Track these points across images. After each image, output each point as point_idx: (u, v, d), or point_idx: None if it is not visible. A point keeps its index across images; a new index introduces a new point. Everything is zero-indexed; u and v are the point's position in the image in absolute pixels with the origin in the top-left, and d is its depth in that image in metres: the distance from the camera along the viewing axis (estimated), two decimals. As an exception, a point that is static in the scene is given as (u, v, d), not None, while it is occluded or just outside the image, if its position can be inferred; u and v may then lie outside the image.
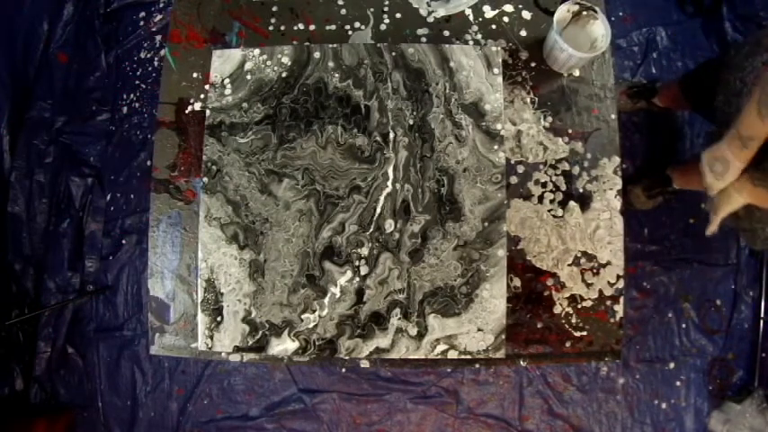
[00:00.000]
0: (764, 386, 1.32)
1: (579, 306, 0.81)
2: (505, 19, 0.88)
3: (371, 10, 0.89)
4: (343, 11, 0.90)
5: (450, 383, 1.38)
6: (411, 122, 0.83)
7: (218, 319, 0.81)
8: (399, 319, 0.79)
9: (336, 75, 0.85)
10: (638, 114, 1.41)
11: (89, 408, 1.44)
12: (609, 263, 0.81)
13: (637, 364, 1.36)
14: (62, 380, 1.46)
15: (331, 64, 0.85)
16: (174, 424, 1.42)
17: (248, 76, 0.86)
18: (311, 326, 0.80)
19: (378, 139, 0.83)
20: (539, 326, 0.81)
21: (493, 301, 0.79)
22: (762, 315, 1.35)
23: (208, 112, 0.86)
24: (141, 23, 1.54)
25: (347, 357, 0.80)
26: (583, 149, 0.84)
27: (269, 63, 0.86)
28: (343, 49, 0.86)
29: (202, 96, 0.88)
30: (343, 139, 0.83)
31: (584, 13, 0.80)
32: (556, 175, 0.83)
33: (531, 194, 0.83)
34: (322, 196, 0.82)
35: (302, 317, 0.80)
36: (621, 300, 0.81)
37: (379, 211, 0.81)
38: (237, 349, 0.81)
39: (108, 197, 1.50)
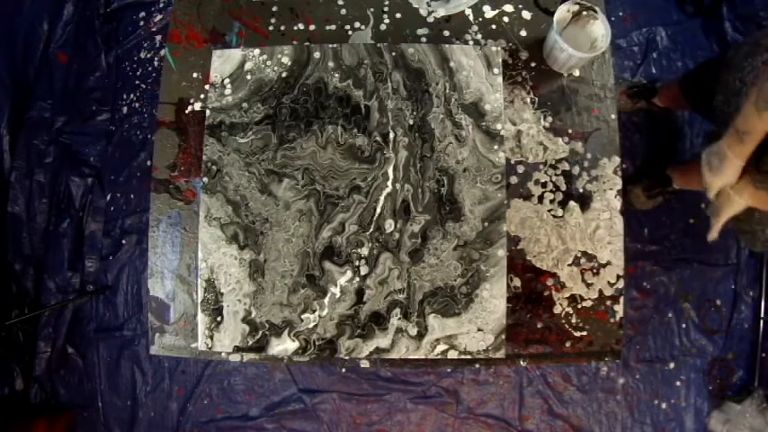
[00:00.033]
0: (764, 386, 1.32)
1: (579, 306, 0.81)
2: (505, 19, 0.88)
3: (371, 10, 0.89)
4: (343, 11, 0.90)
5: (451, 383, 1.38)
6: (411, 122, 0.83)
7: (218, 319, 0.81)
8: (399, 319, 0.79)
9: (336, 75, 0.85)
10: (638, 114, 1.41)
11: (89, 408, 1.44)
12: (609, 263, 0.81)
13: (637, 364, 1.36)
14: (62, 380, 1.46)
15: (331, 64, 0.85)
16: (174, 424, 1.42)
17: (248, 76, 0.86)
18: (311, 326, 0.80)
19: (378, 139, 0.83)
20: (539, 326, 0.81)
21: (493, 301, 0.79)
22: (762, 315, 1.35)
23: (208, 112, 0.86)
24: (141, 23, 1.54)
25: (347, 357, 0.80)
26: (583, 149, 0.84)
27: (269, 63, 0.86)
28: (343, 49, 0.86)
29: (202, 96, 0.88)
30: (343, 139, 0.83)
31: (584, 13, 0.80)
32: (556, 175, 0.83)
33: (531, 194, 0.83)
34: (322, 196, 0.82)
35: (302, 317, 0.80)
36: (621, 300, 0.81)
37: (379, 211, 0.81)
38: (237, 349, 0.81)
39: (108, 197, 1.50)
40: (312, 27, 0.90)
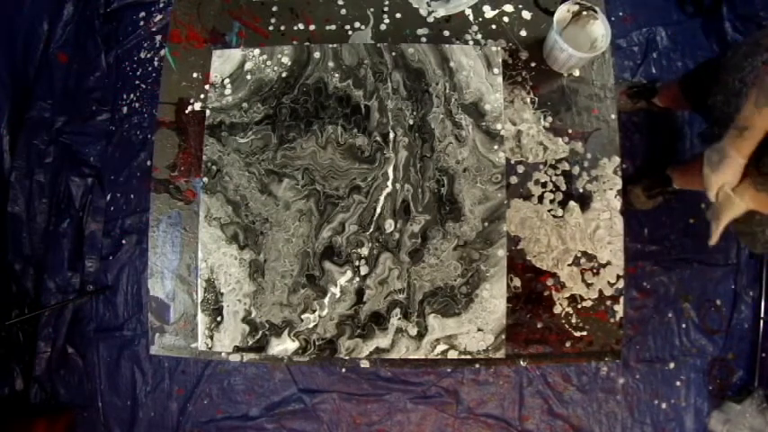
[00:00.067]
0: (764, 386, 1.32)
1: (579, 306, 0.81)
2: (505, 19, 0.88)
3: (371, 10, 0.89)
4: (343, 11, 0.90)
5: (451, 383, 1.38)
6: (411, 122, 0.83)
7: (218, 319, 0.81)
8: (399, 319, 0.79)
9: (336, 75, 0.85)
10: (638, 114, 1.41)
11: (89, 408, 1.44)
12: (609, 263, 0.81)
13: (637, 364, 1.36)
14: (62, 380, 1.46)
15: (331, 64, 0.85)
16: (174, 424, 1.42)
17: (248, 76, 0.86)
18: (311, 326, 0.80)
19: (378, 139, 0.83)
20: (539, 326, 0.81)
21: (493, 301, 0.79)
22: (762, 315, 1.35)
23: (208, 112, 0.86)
24: (141, 23, 1.54)
25: (347, 357, 0.80)
26: (583, 149, 0.84)
27: (269, 63, 0.86)
28: (343, 49, 0.86)
29: (202, 96, 0.88)
30: (343, 139, 0.83)
31: (585, 13, 0.80)
32: (556, 175, 0.83)
33: (531, 194, 0.83)
34: (322, 196, 0.82)
35: (302, 317, 0.80)
36: (621, 300, 0.81)
37: (379, 211, 0.81)
38: (237, 349, 0.81)
39: (108, 197, 1.50)
40: (312, 27, 0.90)
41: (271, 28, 0.90)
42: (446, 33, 0.88)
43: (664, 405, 1.36)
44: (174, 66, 0.89)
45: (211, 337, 0.81)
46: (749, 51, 0.82)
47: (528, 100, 0.85)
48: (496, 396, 1.37)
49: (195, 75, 0.89)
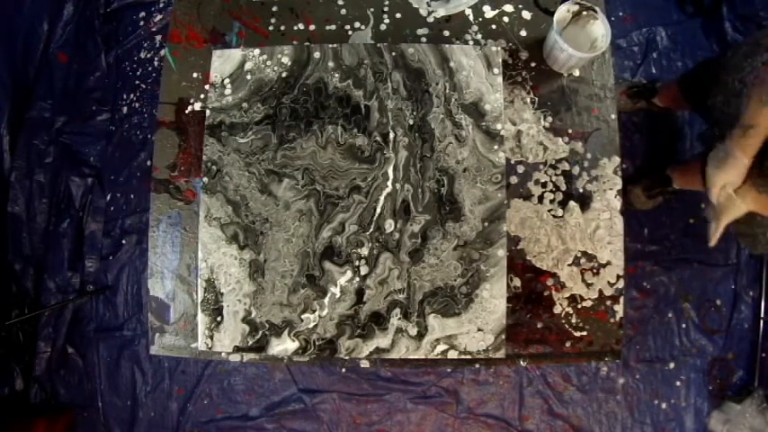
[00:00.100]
0: (764, 386, 1.32)
1: (579, 306, 0.81)
2: (505, 19, 0.88)
3: (371, 10, 0.89)
4: (343, 11, 0.90)
5: (451, 383, 1.38)
6: (411, 122, 0.83)
7: (218, 319, 0.81)
8: (399, 319, 0.79)
9: (336, 75, 0.85)
10: (638, 114, 1.41)
11: (89, 408, 1.44)
12: (609, 263, 0.81)
13: (637, 364, 1.36)
14: (62, 380, 1.46)
15: (331, 64, 0.85)
16: (174, 424, 1.42)
17: (248, 76, 0.86)
18: (311, 326, 0.80)
19: (378, 139, 0.83)
20: (539, 326, 0.81)
21: (493, 301, 0.79)
22: (762, 315, 1.35)
23: (208, 112, 0.86)
24: (141, 23, 1.54)
25: (347, 357, 0.80)
26: (583, 149, 0.84)
27: (269, 63, 0.86)
28: (343, 49, 0.86)
29: (202, 96, 0.88)
30: (343, 139, 0.83)
31: (585, 13, 0.80)
32: (556, 175, 0.83)
33: (531, 194, 0.83)
34: (322, 196, 0.82)
35: (302, 317, 0.80)
36: (621, 300, 0.81)
37: (379, 211, 0.81)
38: (237, 349, 0.81)
39: (108, 197, 1.50)
40: (312, 27, 0.90)
41: (271, 28, 0.90)
42: (446, 33, 0.88)
43: (664, 405, 1.36)
44: (174, 66, 0.89)
45: (211, 337, 0.81)
46: (749, 51, 0.82)
47: (528, 100, 0.85)
48: (496, 396, 1.37)
49: (195, 75, 0.89)
